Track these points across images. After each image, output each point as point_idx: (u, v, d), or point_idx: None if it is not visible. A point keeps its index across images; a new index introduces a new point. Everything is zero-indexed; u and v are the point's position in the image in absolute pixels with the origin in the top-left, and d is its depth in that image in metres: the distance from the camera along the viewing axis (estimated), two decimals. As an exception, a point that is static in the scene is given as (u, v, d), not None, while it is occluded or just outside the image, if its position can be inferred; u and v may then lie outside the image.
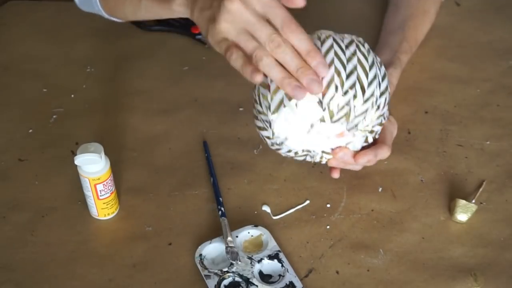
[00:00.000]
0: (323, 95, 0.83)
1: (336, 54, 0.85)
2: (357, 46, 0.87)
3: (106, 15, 1.03)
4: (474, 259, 0.91)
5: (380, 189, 0.99)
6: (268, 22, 0.79)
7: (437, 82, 1.15)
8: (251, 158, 1.03)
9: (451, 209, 0.95)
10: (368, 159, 0.90)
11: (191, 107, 1.12)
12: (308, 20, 1.27)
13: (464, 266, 0.90)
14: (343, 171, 0.97)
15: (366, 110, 0.86)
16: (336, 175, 0.95)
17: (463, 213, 0.94)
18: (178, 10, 0.88)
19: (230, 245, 0.89)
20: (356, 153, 0.90)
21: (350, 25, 1.24)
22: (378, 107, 0.87)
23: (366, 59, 0.86)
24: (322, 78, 0.82)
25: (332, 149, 0.88)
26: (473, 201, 0.96)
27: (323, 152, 0.89)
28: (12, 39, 1.26)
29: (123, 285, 0.89)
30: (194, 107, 1.12)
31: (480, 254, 0.91)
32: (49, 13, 1.30)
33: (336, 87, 0.84)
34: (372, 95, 0.86)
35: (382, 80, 0.88)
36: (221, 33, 0.80)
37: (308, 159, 0.91)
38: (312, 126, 0.85)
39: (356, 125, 0.86)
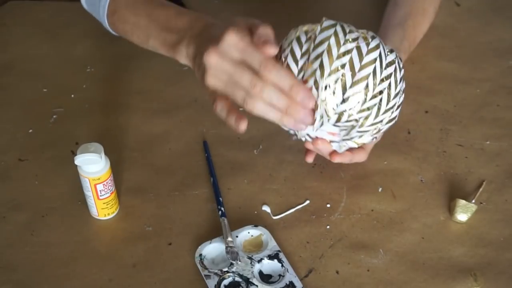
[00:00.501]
0: (345, 100, 0.84)
1: (374, 73, 0.84)
2: (395, 70, 0.87)
3: (110, 30, 1.03)
4: (474, 259, 0.91)
5: (380, 189, 0.99)
6: (248, 66, 0.81)
7: (437, 82, 1.15)
8: (251, 158, 1.03)
9: (451, 209, 0.95)
10: (343, 161, 0.93)
11: (191, 107, 1.12)
12: (308, 18, 1.27)
13: (464, 266, 0.90)
14: (343, 171, 0.97)
15: (367, 131, 0.87)
16: (310, 159, 0.96)
17: (463, 213, 0.94)
18: (184, 62, 0.90)
19: (230, 245, 0.89)
20: (333, 152, 0.91)
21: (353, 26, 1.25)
22: (378, 131, 0.88)
23: (396, 85, 0.87)
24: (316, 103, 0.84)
25: (316, 137, 0.88)
26: (473, 201, 0.96)
27: (307, 134, 0.89)
28: (12, 39, 1.26)
29: (123, 285, 0.89)
30: (194, 107, 1.12)
31: (480, 254, 0.91)
32: (49, 13, 1.30)
33: (358, 102, 0.84)
34: (380, 121, 0.87)
35: (394, 111, 0.88)
36: (210, 87, 0.84)
37: (291, 132, 0.91)
38: (319, 116, 0.85)
39: (352, 138, 0.88)
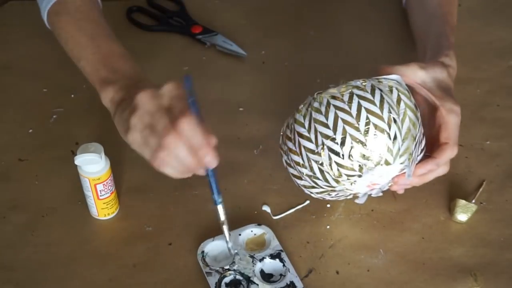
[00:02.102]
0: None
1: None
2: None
3: (45, 22, 1.01)
4: (474, 259, 0.91)
5: (380, 189, 0.99)
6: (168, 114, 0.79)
7: (437, 82, 1.15)
8: (251, 158, 1.03)
9: (451, 209, 0.95)
10: (427, 169, 0.90)
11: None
12: (308, 18, 1.27)
13: (464, 266, 0.90)
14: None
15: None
16: (401, 190, 0.93)
17: (463, 213, 0.94)
18: (104, 102, 0.88)
19: (227, 240, 0.88)
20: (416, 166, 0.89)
21: (353, 28, 1.25)
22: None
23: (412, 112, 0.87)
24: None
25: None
26: (473, 201, 0.96)
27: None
28: (12, 39, 1.26)
29: (123, 285, 0.89)
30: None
31: (480, 254, 0.91)
32: (49, 13, 1.30)
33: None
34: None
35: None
36: (130, 132, 0.82)
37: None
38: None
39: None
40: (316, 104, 0.86)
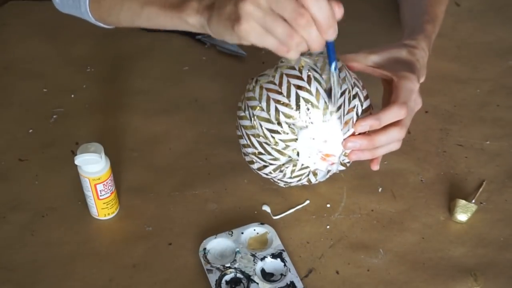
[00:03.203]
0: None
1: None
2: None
3: (92, 19, 0.98)
4: (474, 259, 0.91)
5: (380, 189, 0.99)
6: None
7: (437, 82, 1.15)
8: (251, 158, 1.03)
9: (451, 209, 0.95)
10: (367, 123, 0.86)
11: (191, 107, 1.12)
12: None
13: (464, 266, 0.90)
14: (343, 171, 0.97)
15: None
16: (376, 166, 0.91)
17: (463, 213, 0.94)
18: (191, 22, 0.84)
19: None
20: (356, 122, 0.87)
21: (353, 28, 1.25)
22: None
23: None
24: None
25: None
26: (473, 201, 0.96)
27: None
28: (12, 39, 1.26)
29: (123, 285, 0.89)
30: (194, 107, 1.12)
31: (480, 254, 0.91)
32: (49, 13, 1.30)
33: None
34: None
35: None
36: (241, 36, 0.77)
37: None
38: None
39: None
40: (248, 87, 0.91)
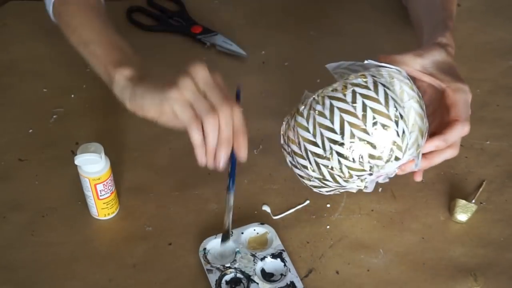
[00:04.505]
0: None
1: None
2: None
3: (50, 14, 1.02)
4: (474, 259, 0.91)
5: (380, 189, 0.99)
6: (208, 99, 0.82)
7: (437, 82, 1.15)
8: (251, 158, 1.03)
9: (451, 209, 0.95)
10: (434, 145, 0.88)
11: (191, 107, 1.12)
12: (310, 25, 1.27)
13: (464, 266, 0.90)
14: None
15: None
16: (419, 178, 0.93)
17: (463, 213, 0.94)
18: (121, 82, 0.88)
19: (227, 224, 0.89)
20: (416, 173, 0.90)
21: (353, 28, 1.25)
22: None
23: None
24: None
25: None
26: (473, 201, 0.96)
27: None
28: (12, 39, 1.26)
29: (123, 285, 0.89)
30: (194, 107, 1.12)
31: (480, 254, 0.91)
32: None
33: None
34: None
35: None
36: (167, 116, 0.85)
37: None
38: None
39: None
40: (319, 107, 0.85)
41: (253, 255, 0.90)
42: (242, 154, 0.85)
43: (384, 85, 0.84)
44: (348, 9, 1.29)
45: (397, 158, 0.85)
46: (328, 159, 0.84)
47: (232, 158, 0.86)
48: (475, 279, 0.88)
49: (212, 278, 0.87)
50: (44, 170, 1.02)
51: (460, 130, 0.88)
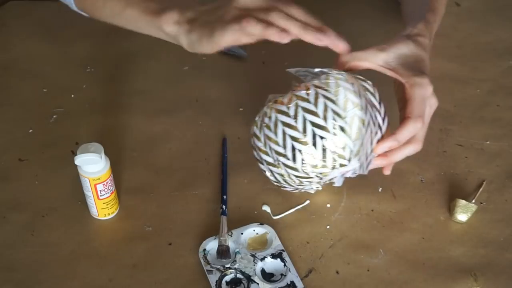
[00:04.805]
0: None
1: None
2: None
3: (73, 6, 1.00)
4: (474, 259, 0.91)
5: (380, 189, 0.99)
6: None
7: (437, 82, 1.14)
8: (251, 158, 1.03)
9: (451, 209, 0.95)
10: (387, 147, 0.88)
11: (191, 107, 1.12)
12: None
13: (464, 266, 0.90)
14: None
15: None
16: (387, 172, 0.93)
17: (463, 213, 0.94)
18: (167, 31, 0.87)
19: (223, 243, 0.90)
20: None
21: (353, 28, 1.25)
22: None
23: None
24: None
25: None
26: (473, 201, 0.96)
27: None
28: (12, 39, 1.26)
29: (123, 285, 0.89)
30: (194, 107, 1.12)
31: (480, 254, 0.91)
32: (49, 13, 1.30)
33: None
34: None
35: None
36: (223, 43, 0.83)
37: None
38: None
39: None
40: (266, 120, 0.88)
41: (253, 256, 0.90)
42: (341, 43, 0.85)
43: (325, 97, 0.86)
44: (348, 9, 1.29)
45: (342, 165, 0.87)
46: (278, 167, 0.89)
47: (223, 178, 0.92)
48: (475, 279, 0.88)
49: (212, 278, 0.87)
50: (44, 170, 1.02)
51: (411, 128, 0.87)
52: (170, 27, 0.86)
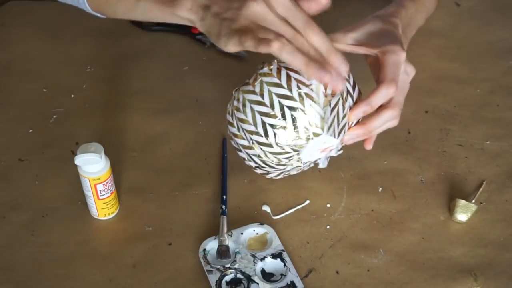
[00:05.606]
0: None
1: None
2: None
3: (89, 9, 0.98)
4: (474, 259, 0.91)
5: (380, 189, 0.99)
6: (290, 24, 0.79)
7: (437, 82, 1.15)
8: (251, 158, 1.03)
9: (451, 209, 0.95)
10: (361, 111, 0.87)
11: (191, 107, 1.12)
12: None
13: (464, 266, 0.90)
14: (343, 171, 0.97)
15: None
16: (369, 146, 0.92)
17: (463, 213, 0.94)
18: (183, 16, 0.85)
19: (224, 243, 0.90)
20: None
21: (350, 23, 1.24)
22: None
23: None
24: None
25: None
26: (473, 201, 0.96)
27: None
28: (12, 39, 1.26)
29: (123, 285, 0.89)
30: (194, 107, 1.12)
31: (480, 254, 0.91)
32: (49, 13, 1.30)
33: None
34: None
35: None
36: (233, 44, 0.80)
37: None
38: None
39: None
40: (235, 103, 0.89)
41: (253, 256, 0.90)
42: (343, 67, 0.81)
43: (287, 68, 0.86)
44: (348, 9, 1.29)
45: (316, 134, 0.85)
46: (253, 148, 0.88)
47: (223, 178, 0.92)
48: (475, 279, 0.88)
49: (212, 278, 0.87)
50: (44, 170, 1.02)
51: (384, 91, 0.86)
52: (184, 13, 0.85)
